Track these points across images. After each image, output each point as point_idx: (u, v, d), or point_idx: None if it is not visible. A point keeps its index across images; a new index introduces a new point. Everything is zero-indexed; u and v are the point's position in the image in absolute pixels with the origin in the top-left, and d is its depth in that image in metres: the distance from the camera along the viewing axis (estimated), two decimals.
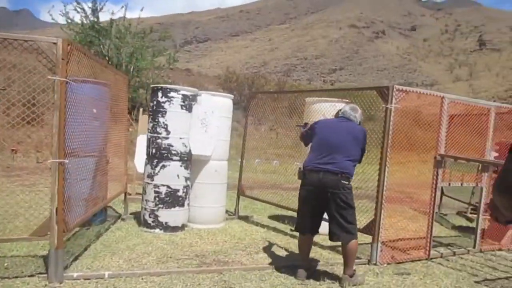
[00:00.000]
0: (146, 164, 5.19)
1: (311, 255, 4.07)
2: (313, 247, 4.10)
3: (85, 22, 14.62)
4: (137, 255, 4.08)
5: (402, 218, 4.83)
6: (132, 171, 6.78)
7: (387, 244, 4.47)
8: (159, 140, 5.02)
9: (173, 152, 5.02)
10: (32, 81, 3.64)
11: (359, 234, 3.80)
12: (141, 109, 7.94)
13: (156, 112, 5.05)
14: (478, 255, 5.06)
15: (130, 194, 6.25)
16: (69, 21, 14.55)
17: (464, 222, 7.10)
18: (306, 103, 5.69)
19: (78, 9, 14.65)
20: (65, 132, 3.25)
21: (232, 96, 5.83)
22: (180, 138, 5.05)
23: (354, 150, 3.73)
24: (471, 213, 7.36)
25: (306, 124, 4.30)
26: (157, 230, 4.96)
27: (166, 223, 4.98)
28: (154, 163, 5.04)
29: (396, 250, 4.59)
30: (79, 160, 3.82)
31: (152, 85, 5.34)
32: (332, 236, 3.71)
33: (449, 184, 4.99)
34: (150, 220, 5.00)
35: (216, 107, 5.34)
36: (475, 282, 4.05)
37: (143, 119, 6.59)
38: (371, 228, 4.33)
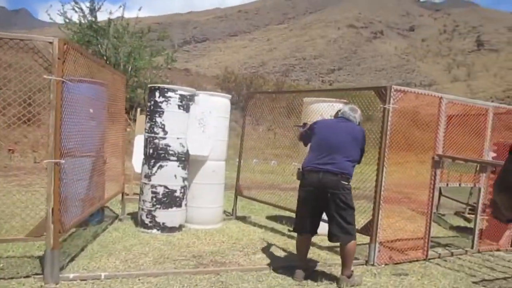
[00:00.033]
0: (143, 164, 5.17)
1: (309, 255, 4.06)
2: (310, 247, 4.09)
3: (83, 21, 14.60)
4: (134, 255, 4.06)
5: (400, 219, 4.82)
6: (130, 171, 6.76)
7: (385, 244, 4.46)
8: (156, 140, 5.00)
9: (171, 152, 5.00)
10: (28, 80, 3.61)
11: (356, 234, 3.79)
12: (138, 109, 7.92)
13: (153, 112, 5.03)
14: (476, 255, 5.06)
15: (127, 194, 6.23)
16: (67, 20, 14.53)
17: (462, 223, 7.10)
18: (304, 103, 5.67)
19: (76, 9, 14.65)
20: (61, 132, 3.23)
21: (229, 96, 5.81)
22: (178, 138, 5.03)
23: (353, 151, 3.72)
24: (469, 214, 7.36)
25: (305, 124, 4.29)
26: (154, 231, 4.94)
27: (163, 223, 4.96)
28: (152, 163, 5.02)
29: (394, 250, 4.58)
30: (76, 160, 3.80)
31: (149, 85, 5.31)
32: (331, 237, 3.70)
33: (447, 184, 4.99)
34: (147, 221, 4.97)
35: (214, 107, 5.33)
36: (473, 282, 4.04)
37: (141, 119, 6.57)
38: (369, 229, 4.32)
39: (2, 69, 4.17)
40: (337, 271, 3.87)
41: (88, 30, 14.43)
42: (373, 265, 4.25)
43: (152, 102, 5.04)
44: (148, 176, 5.03)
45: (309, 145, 3.98)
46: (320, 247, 4.72)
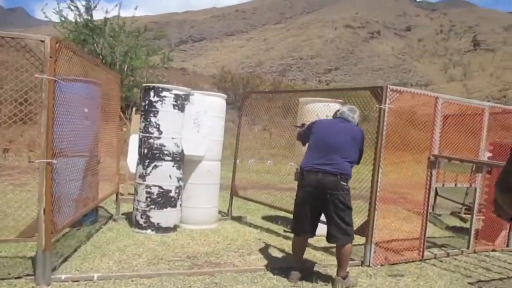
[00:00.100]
0: (138, 164, 5.13)
1: (304, 256, 4.03)
2: (306, 248, 4.06)
3: (78, 20, 14.49)
4: (128, 256, 4.02)
5: (396, 219, 4.80)
6: (125, 171, 6.71)
7: (381, 245, 4.44)
8: (151, 140, 4.96)
9: (165, 152, 4.96)
10: (20, 79, 3.56)
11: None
12: (134, 109, 7.87)
13: (148, 111, 4.99)
14: (472, 256, 5.05)
15: (122, 194, 6.19)
16: (63, 19, 14.43)
17: (458, 223, 7.10)
18: (300, 103, 5.65)
19: (72, 7, 14.54)
20: (54, 132, 3.19)
21: (225, 96, 5.78)
22: (172, 138, 5.00)
23: (352, 151, 3.70)
24: (465, 214, 7.37)
25: (303, 125, 4.27)
26: (148, 231, 4.90)
27: (158, 224, 4.92)
28: (146, 163, 4.98)
29: (390, 251, 4.56)
30: (69, 160, 3.76)
31: (144, 84, 5.27)
32: (330, 238, 3.67)
33: (443, 184, 4.97)
34: (141, 221, 4.94)
35: (209, 106, 5.29)
36: (469, 283, 4.03)
37: (136, 119, 6.53)
38: (365, 229, 4.30)
39: None
40: (332, 272, 3.85)
41: (84, 28, 14.32)
42: (368, 266, 4.23)
43: (147, 102, 5.00)
44: (142, 176, 4.99)
45: (307, 144, 3.96)
46: (315, 248, 4.69)
